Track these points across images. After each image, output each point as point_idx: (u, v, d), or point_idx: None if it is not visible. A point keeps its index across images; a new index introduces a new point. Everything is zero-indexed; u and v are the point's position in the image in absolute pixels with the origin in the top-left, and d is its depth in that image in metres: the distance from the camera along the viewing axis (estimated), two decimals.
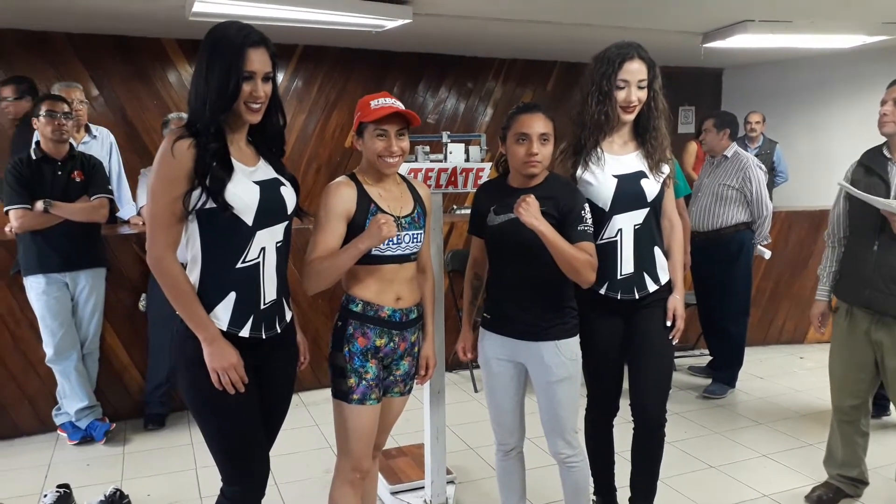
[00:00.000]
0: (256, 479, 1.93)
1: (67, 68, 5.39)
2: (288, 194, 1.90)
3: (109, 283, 3.69)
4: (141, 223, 4.01)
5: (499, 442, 2.47)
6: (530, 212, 2.08)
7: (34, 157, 3.40)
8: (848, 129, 6.44)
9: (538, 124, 2.17)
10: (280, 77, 4.07)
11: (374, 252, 2.03)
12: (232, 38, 1.74)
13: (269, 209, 1.83)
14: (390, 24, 4.57)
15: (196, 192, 1.72)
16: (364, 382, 2.07)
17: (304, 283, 2.04)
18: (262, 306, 1.85)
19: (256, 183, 1.82)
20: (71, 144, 3.54)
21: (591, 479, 2.53)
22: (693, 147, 6.23)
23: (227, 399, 1.79)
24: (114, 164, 4.27)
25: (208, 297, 1.79)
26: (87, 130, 4.22)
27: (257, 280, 1.83)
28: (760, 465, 3.35)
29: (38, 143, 3.46)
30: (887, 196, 2.58)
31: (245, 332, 1.82)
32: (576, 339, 2.31)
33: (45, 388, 3.63)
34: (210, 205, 1.74)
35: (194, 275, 1.80)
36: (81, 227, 3.44)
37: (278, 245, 1.87)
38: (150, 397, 3.80)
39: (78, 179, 3.47)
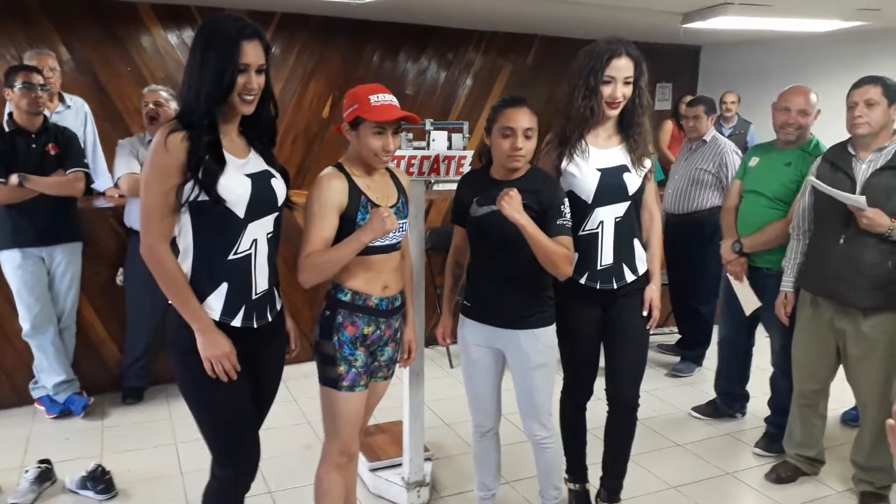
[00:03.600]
0: (249, 461, 1.99)
1: (38, 31, 5.24)
2: (278, 186, 1.92)
3: (86, 256, 3.66)
4: (117, 195, 3.97)
5: (476, 423, 2.56)
6: (512, 205, 2.13)
7: (7, 130, 3.34)
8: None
9: (523, 119, 2.20)
10: None
11: None
12: (227, 31, 1.74)
13: (261, 201, 1.85)
14: None
15: (189, 185, 1.74)
16: (353, 370, 2.12)
17: (300, 277, 2.04)
18: (254, 296, 1.89)
19: (248, 176, 1.84)
20: (45, 116, 3.48)
21: (563, 459, 2.64)
22: (669, 126, 6.29)
23: (220, 386, 1.84)
24: (89, 135, 4.21)
25: (200, 288, 1.82)
26: (61, 99, 4.14)
27: (249, 271, 1.86)
28: (725, 443, 3.49)
29: (10, 114, 3.39)
30: (852, 191, 2.67)
31: (237, 322, 1.86)
32: (552, 328, 2.39)
33: (22, 361, 3.62)
34: (203, 197, 1.75)
35: (186, 265, 1.82)
36: (57, 202, 3.40)
37: (269, 236, 1.90)
38: (128, 371, 3.81)
39: (52, 152, 3.42)
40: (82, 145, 3.75)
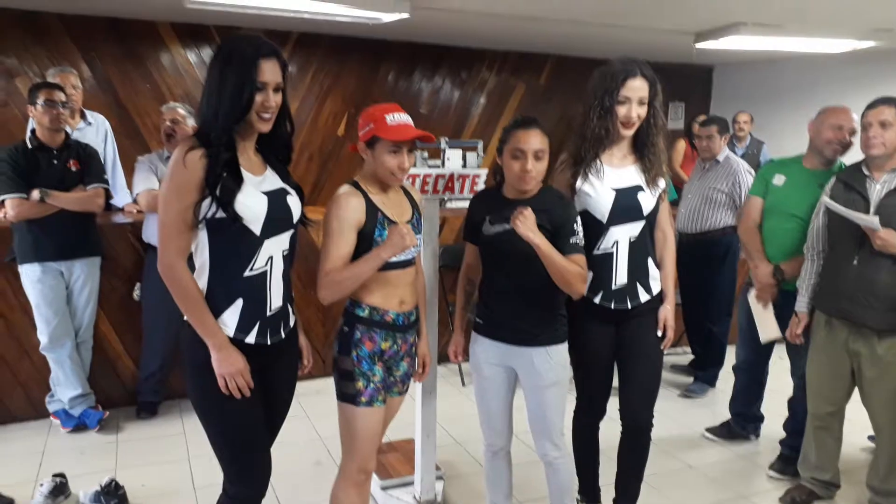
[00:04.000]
0: (260, 478, 1.99)
1: (59, 49, 5.35)
2: (294, 203, 1.95)
3: (104, 271, 3.71)
4: (135, 211, 4.03)
5: (487, 442, 2.55)
6: (527, 224, 2.14)
7: (30, 146, 3.41)
8: None
9: (534, 141, 2.22)
10: None
11: None
12: (245, 50, 1.78)
13: (277, 219, 1.88)
14: (387, 18, 4.57)
15: (206, 202, 1.77)
16: (372, 385, 2.14)
17: (320, 294, 2.06)
18: (269, 313, 1.91)
19: (265, 193, 1.87)
20: (66, 133, 3.54)
21: (576, 479, 2.62)
22: (682, 145, 6.29)
23: (234, 403, 1.85)
24: (109, 152, 4.28)
25: (216, 304, 1.84)
26: (83, 116, 4.21)
27: (264, 288, 1.89)
28: (739, 465, 3.46)
29: (33, 131, 3.46)
30: (866, 212, 2.67)
31: (251, 339, 1.88)
32: (565, 346, 2.39)
33: (39, 374, 3.66)
34: (220, 214, 1.78)
35: (202, 281, 1.85)
36: (77, 217, 3.45)
37: (285, 253, 1.93)
38: (143, 386, 3.84)
39: (74, 168, 3.48)
40: (102, 162, 3.82)
